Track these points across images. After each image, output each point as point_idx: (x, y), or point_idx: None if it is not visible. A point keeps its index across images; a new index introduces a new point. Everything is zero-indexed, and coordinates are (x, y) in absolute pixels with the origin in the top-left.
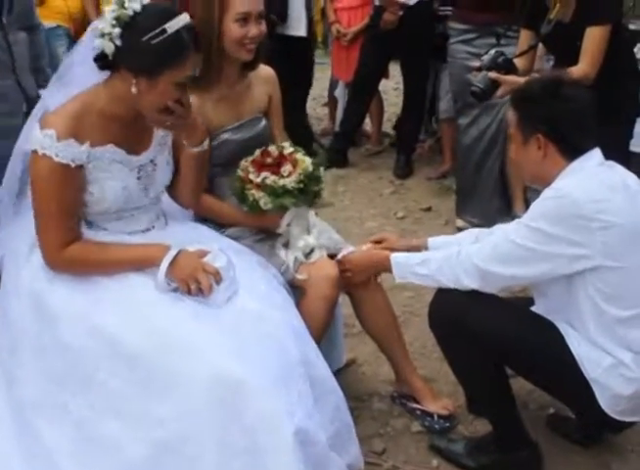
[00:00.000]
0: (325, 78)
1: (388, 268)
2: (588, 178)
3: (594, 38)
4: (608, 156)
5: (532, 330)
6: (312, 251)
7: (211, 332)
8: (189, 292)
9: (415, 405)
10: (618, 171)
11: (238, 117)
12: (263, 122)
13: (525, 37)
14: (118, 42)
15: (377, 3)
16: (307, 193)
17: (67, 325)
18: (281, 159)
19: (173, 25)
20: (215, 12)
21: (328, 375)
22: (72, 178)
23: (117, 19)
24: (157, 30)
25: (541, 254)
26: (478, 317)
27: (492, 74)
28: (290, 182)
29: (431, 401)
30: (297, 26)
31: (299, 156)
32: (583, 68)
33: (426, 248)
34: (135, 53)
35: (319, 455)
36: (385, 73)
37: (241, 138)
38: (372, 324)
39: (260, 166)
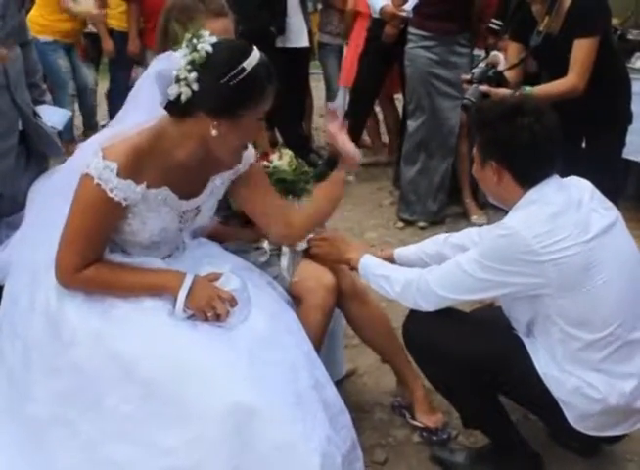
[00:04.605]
0: (320, 88)
1: (354, 262)
2: (536, 212)
3: (582, 50)
4: (600, 163)
5: (500, 350)
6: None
7: (226, 359)
8: (206, 319)
9: (412, 421)
10: (575, 191)
11: None
12: None
13: (513, 50)
14: (195, 87)
15: (375, 15)
16: (302, 173)
17: (81, 348)
18: (266, 154)
19: (250, 62)
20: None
21: (336, 397)
22: (114, 214)
23: (192, 62)
24: (235, 70)
25: (496, 283)
26: (447, 338)
27: (483, 88)
28: (282, 164)
29: (424, 414)
30: (299, 38)
31: (281, 150)
32: (572, 79)
33: (393, 259)
34: (215, 96)
35: None
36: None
37: None
38: (368, 336)
39: None
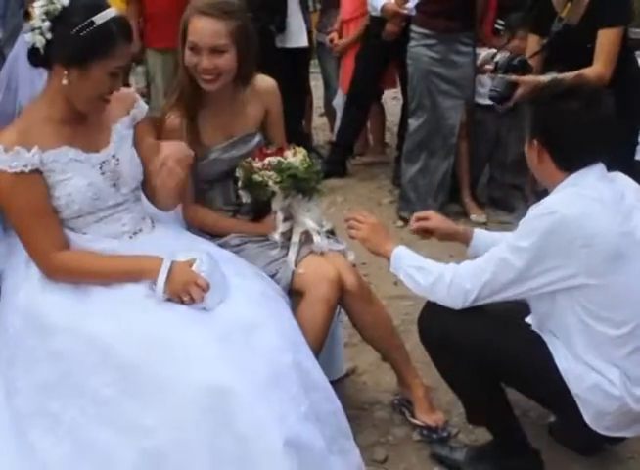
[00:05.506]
0: (320, 87)
1: (389, 253)
2: (576, 195)
3: (608, 41)
4: (612, 161)
5: (518, 344)
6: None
7: (201, 340)
8: (182, 303)
9: (412, 419)
10: (619, 184)
11: (228, 136)
12: (257, 139)
13: (532, 42)
14: (49, 36)
15: (374, 13)
16: (314, 172)
17: (60, 334)
18: (281, 149)
19: (101, 17)
20: (179, 35)
21: (324, 383)
22: (33, 185)
23: (47, 13)
24: (85, 23)
25: (529, 274)
26: (464, 331)
27: (512, 77)
28: (295, 161)
29: (424, 413)
30: (298, 38)
31: (295, 147)
32: (599, 68)
33: (470, 237)
34: (65, 45)
35: (317, 460)
36: (390, 82)
37: (230, 156)
38: (370, 335)
39: (263, 156)
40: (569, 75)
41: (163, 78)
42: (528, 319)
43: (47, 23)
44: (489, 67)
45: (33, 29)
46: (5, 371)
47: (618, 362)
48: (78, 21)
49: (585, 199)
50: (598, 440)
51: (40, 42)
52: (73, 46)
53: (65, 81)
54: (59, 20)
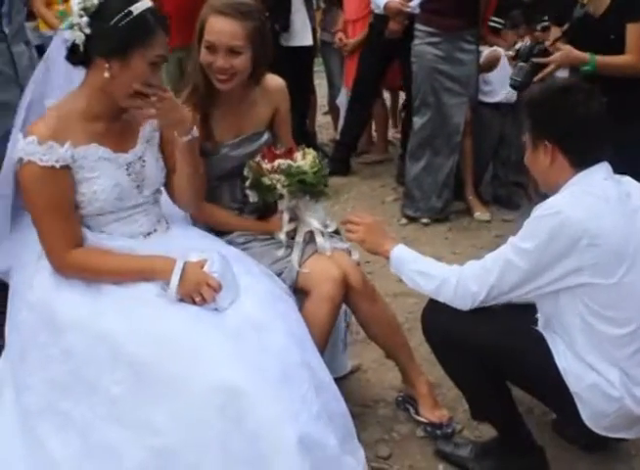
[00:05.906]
0: (324, 86)
1: (387, 253)
2: (582, 194)
3: (637, 34)
4: (627, 155)
5: (521, 340)
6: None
7: (213, 340)
8: (193, 303)
9: (416, 416)
10: (625, 184)
11: (238, 133)
12: (265, 137)
13: (555, 34)
14: (88, 31)
15: (377, 11)
16: (323, 176)
17: (73, 332)
18: (290, 150)
19: (138, 8)
20: (196, 33)
21: (331, 383)
22: (61, 180)
23: (85, 9)
24: (122, 13)
25: (534, 273)
26: (468, 327)
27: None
28: (305, 164)
29: (428, 409)
30: (303, 36)
31: (305, 149)
32: (633, 58)
33: None
34: (104, 37)
35: (330, 459)
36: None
37: (239, 154)
38: (375, 333)
39: (272, 157)
40: (608, 58)
41: (167, 77)
42: (538, 315)
43: (85, 19)
44: (510, 53)
45: (72, 26)
46: (16, 367)
47: (621, 362)
48: (116, 12)
49: (591, 197)
50: (602, 436)
51: (80, 38)
52: (113, 37)
53: (107, 74)
54: (97, 14)
